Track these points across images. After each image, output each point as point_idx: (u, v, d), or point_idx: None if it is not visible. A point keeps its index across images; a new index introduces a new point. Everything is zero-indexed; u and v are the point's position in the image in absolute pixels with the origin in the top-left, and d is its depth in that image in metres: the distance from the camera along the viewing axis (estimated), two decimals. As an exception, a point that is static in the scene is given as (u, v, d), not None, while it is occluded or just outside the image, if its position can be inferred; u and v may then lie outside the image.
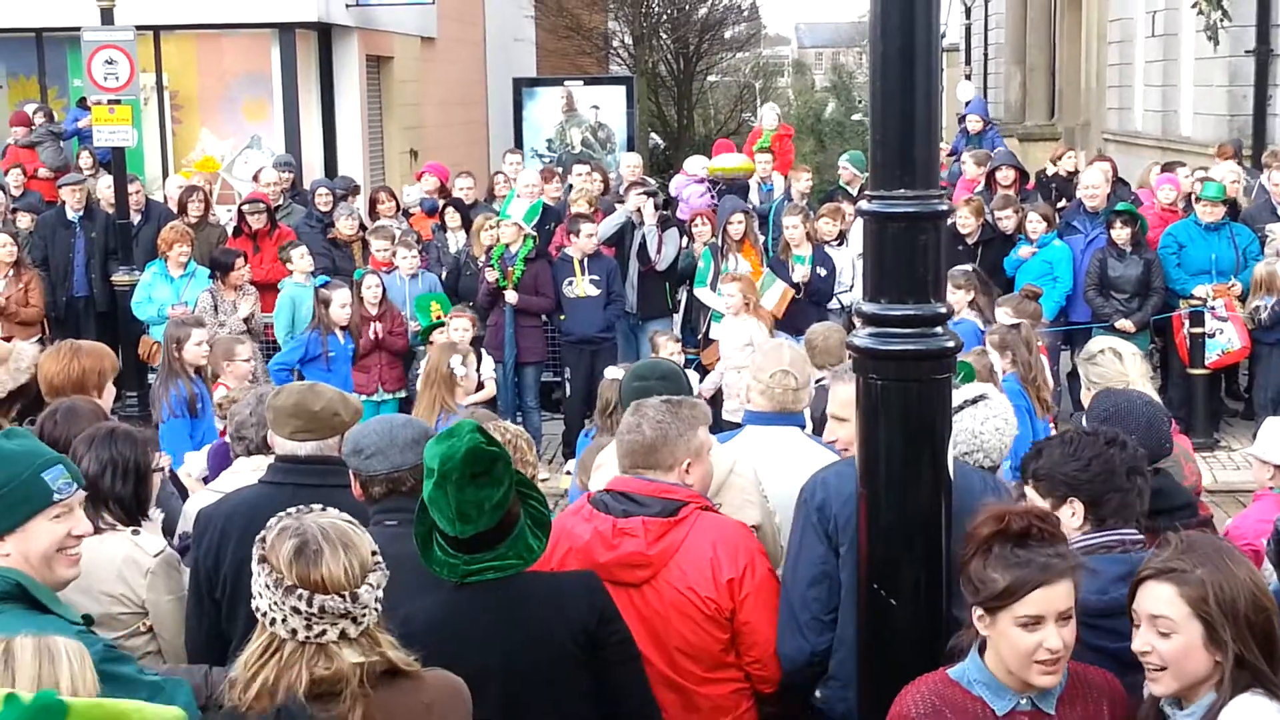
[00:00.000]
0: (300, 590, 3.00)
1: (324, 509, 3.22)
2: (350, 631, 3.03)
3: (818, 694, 4.26)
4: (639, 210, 12.07)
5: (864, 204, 3.89)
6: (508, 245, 11.52)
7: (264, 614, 3.05)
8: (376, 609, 3.08)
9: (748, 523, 4.45)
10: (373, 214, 13.48)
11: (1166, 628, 3.11)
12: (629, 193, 12.52)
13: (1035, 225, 11.72)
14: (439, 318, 10.76)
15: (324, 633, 3.01)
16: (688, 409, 4.30)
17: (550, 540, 4.04)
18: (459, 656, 3.39)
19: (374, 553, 3.13)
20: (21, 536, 3.56)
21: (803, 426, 5.17)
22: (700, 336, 11.70)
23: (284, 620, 3.02)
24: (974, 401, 4.47)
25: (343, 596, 3.00)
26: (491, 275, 11.38)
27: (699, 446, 4.24)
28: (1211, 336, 11.16)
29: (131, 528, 4.51)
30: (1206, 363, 11.17)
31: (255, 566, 3.08)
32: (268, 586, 3.03)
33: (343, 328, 10.47)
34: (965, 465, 4.27)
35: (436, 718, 3.14)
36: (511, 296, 11.41)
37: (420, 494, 3.80)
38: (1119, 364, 5.51)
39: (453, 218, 13.03)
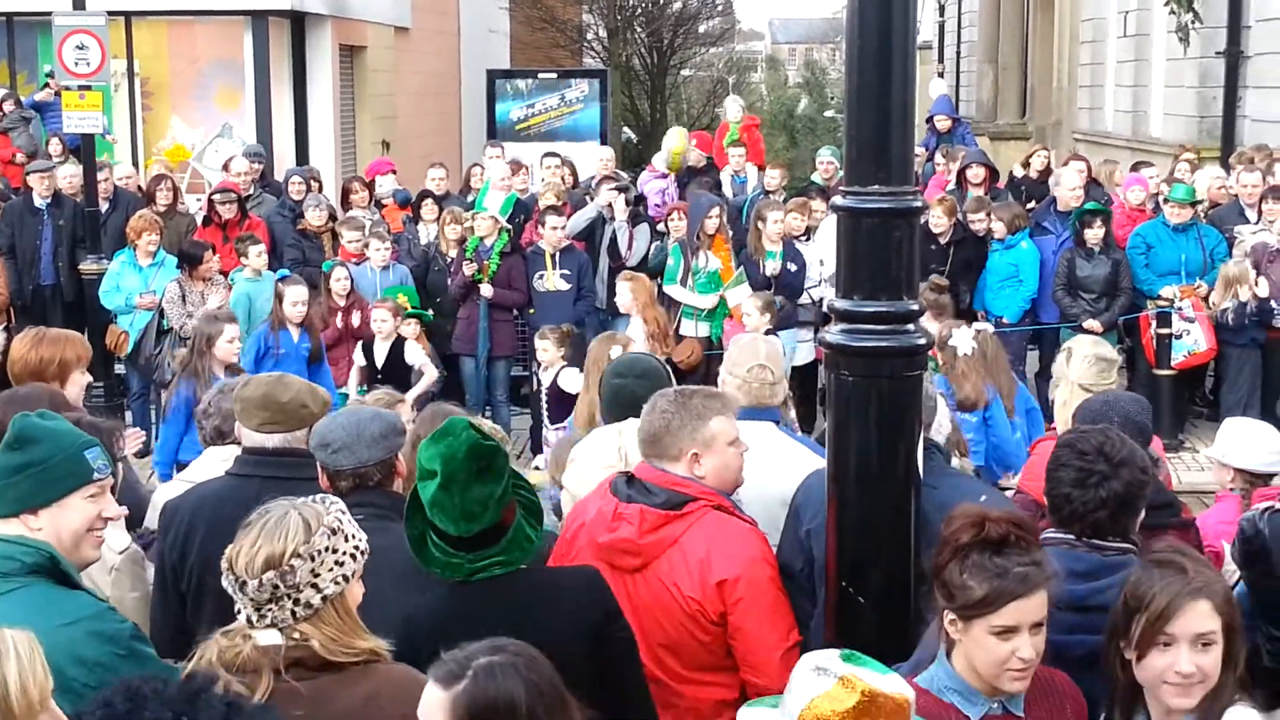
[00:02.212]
0: (227, 568, 3.14)
1: (321, 499, 3.28)
2: (254, 619, 3.09)
3: None
4: (610, 205, 12.06)
5: (838, 199, 3.89)
6: (482, 238, 11.49)
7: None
8: (295, 602, 3.09)
9: None
10: (345, 204, 13.39)
11: (1210, 639, 3.12)
12: (600, 186, 12.50)
13: (995, 226, 11.75)
14: (405, 309, 10.73)
15: (240, 611, 3.12)
16: (700, 399, 4.24)
17: (572, 512, 4.08)
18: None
19: (300, 546, 3.12)
20: (58, 511, 3.57)
21: (777, 421, 5.17)
22: (671, 333, 11.68)
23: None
24: None
25: (235, 580, 3.10)
26: (470, 269, 11.35)
27: (709, 438, 4.17)
28: (1178, 338, 11.21)
29: None
30: (1172, 364, 11.21)
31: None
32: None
33: (297, 324, 10.09)
34: (961, 475, 4.30)
35: (377, 710, 3.10)
36: (487, 290, 11.38)
37: (387, 489, 3.78)
38: (1064, 364, 5.57)
39: (430, 209, 12.94)
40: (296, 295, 10.06)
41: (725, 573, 4.04)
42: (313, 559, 3.10)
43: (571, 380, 10.22)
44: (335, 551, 3.13)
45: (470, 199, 13.34)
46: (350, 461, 4.18)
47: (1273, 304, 11.02)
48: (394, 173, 14.22)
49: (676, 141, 14.22)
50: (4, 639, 2.71)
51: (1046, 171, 14.16)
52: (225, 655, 3.05)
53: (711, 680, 4.16)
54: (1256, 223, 11.71)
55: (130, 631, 3.47)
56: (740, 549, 4.11)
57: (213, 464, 5.08)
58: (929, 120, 16.60)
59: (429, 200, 12.99)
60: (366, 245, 11.46)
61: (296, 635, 3.09)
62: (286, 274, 10.46)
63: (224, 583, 3.14)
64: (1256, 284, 10.94)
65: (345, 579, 3.15)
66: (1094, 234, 11.41)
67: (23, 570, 3.37)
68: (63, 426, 3.70)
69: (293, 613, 3.09)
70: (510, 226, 11.82)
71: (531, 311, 11.61)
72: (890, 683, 2.73)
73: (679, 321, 11.54)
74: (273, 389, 4.69)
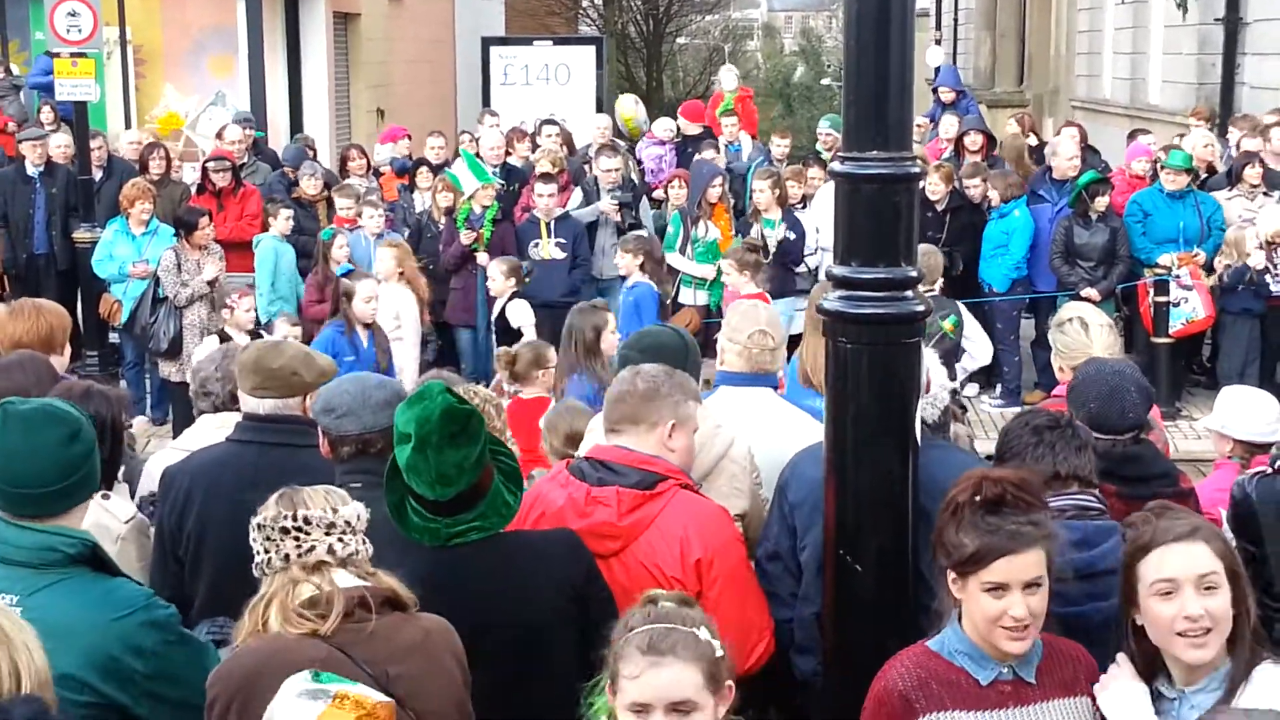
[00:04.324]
0: (285, 512, 3.19)
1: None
2: (337, 549, 3.18)
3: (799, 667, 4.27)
4: (607, 211, 11.96)
5: (836, 165, 3.86)
6: (474, 208, 11.44)
7: (263, 560, 3.20)
8: (364, 542, 3.26)
9: (732, 512, 4.37)
10: (343, 172, 13.38)
11: (1214, 582, 3.09)
12: (599, 156, 12.44)
13: (990, 194, 11.74)
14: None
15: (313, 548, 3.16)
16: (682, 378, 4.24)
17: (525, 504, 4.01)
18: (450, 616, 3.39)
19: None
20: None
21: (775, 387, 5.14)
22: (669, 301, 11.66)
23: (277, 550, 3.17)
24: None
25: (324, 511, 3.19)
26: (468, 237, 11.30)
27: (687, 416, 4.16)
28: (1176, 305, 11.19)
29: (101, 492, 4.44)
30: (1170, 331, 11.20)
31: (252, 533, 3.23)
32: (263, 537, 3.19)
33: (366, 326, 9.29)
34: (948, 446, 4.28)
35: (434, 646, 3.25)
36: (484, 259, 11.34)
37: (388, 457, 3.76)
38: (1083, 335, 5.47)
39: (425, 178, 12.92)
40: (368, 290, 9.25)
41: (702, 552, 4.01)
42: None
43: (519, 313, 10.20)
44: (254, 543, 3.28)
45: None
46: (355, 427, 4.16)
47: (1267, 275, 11.01)
48: (409, 138, 14.13)
49: (627, 109, 14.17)
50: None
51: (1040, 143, 14.15)
52: (301, 590, 3.15)
53: None
54: (1230, 189, 11.68)
55: (176, 616, 3.54)
56: (715, 529, 4.09)
57: (207, 432, 5.06)
58: (935, 90, 16.52)
59: (424, 168, 12.97)
60: (359, 213, 11.45)
61: (370, 579, 3.23)
62: (350, 269, 9.70)
63: (303, 516, 3.18)
64: (1249, 254, 10.95)
65: (258, 564, 3.27)
66: (1100, 202, 11.38)
67: (64, 561, 3.40)
68: (59, 401, 3.72)
69: (360, 551, 3.25)
70: (503, 183, 11.80)
71: (527, 280, 11.54)
72: (373, 693, 2.84)
73: (678, 289, 11.51)
74: (265, 354, 4.68)
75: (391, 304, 9.95)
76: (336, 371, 4.98)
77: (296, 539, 3.16)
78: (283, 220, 11.28)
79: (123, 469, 4.90)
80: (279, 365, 4.62)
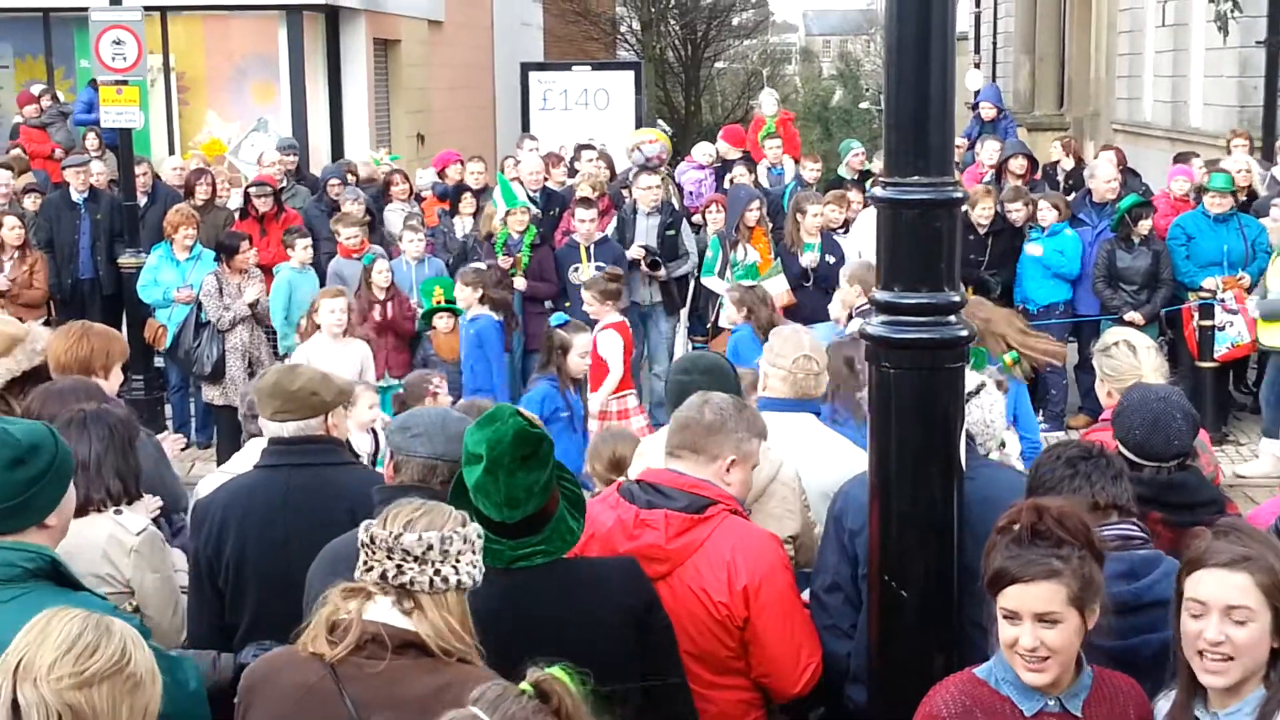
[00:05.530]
0: (369, 525, 3.16)
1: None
2: (390, 574, 3.09)
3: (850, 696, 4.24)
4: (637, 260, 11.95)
5: (877, 190, 3.85)
6: (511, 232, 11.49)
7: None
8: (437, 572, 3.11)
9: (783, 534, 4.35)
10: (386, 198, 13.46)
11: (1244, 616, 3.06)
12: (638, 175, 12.47)
13: (1045, 214, 11.67)
14: (440, 302, 10.72)
15: (371, 569, 3.11)
16: (751, 414, 4.23)
17: None
18: (512, 641, 3.35)
19: (459, 528, 3.17)
20: (64, 503, 3.61)
21: (818, 414, 5.11)
22: (709, 325, 11.67)
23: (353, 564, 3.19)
24: (976, 392, 4.42)
25: (388, 534, 3.10)
26: (507, 262, 11.34)
27: (749, 453, 4.15)
28: (1221, 329, 11.08)
29: (114, 508, 4.46)
30: (1215, 355, 11.10)
31: None
32: None
33: (575, 380, 8.69)
34: (999, 466, 4.26)
35: (446, 703, 3.05)
36: (520, 283, 11.37)
37: (443, 496, 3.75)
38: (1132, 358, 5.41)
39: (468, 203, 12.97)
40: (584, 345, 8.68)
41: (749, 578, 3.99)
42: (465, 542, 3.16)
43: None
44: (476, 552, 3.20)
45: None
46: (425, 450, 4.12)
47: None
48: (462, 164, 14.19)
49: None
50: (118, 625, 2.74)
51: (1079, 163, 14.06)
52: (334, 615, 3.13)
53: (734, 684, 4.12)
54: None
55: (137, 626, 3.48)
56: (762, 554, 4.05)
57: (254, 455, 5.09)
58: (974, 107, 16.48)
59: (467, 194, 13.03)
60: (363, 242, 11.47)
61: (410, 614, 3.11)
62: (565, 319, 9.01)
63: (370, 534, 3.14)
64: None
65: (475, 579, 3.19)
66: (1143, 226, 11.31)
67: (23, 576, 3.37)
68: (31, 424, 3.68)
69: (431, 581, 3.11)
70: (537, 209, 11.80)
71: (567, 305, 11.56)
72: None
73: (718, 313, 11.50)
74: (282, 377, 4.71)
75: (354, 360, 9.62)
76: (354, 390, 5.00)
77: (364, 557, 3.15)
78: (301, 250, 11.22)
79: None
80: (297, 387, 4.63)
